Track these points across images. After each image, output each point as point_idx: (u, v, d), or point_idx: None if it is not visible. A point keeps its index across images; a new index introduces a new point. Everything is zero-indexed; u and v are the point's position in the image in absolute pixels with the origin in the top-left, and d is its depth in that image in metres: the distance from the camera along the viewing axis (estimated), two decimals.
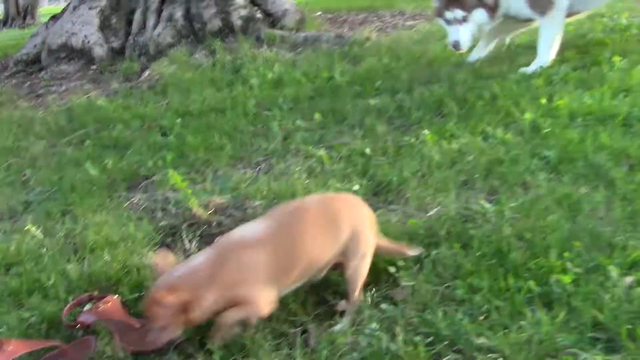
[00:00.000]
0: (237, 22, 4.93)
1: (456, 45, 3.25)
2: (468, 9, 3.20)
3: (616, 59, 3.17)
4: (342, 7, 8.00)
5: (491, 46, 3.67)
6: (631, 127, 2.29)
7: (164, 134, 3.04)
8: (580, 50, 3.62)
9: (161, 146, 2.83)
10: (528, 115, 2.48)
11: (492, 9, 3.24)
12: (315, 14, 6.68)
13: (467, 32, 3.23)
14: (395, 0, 8.07)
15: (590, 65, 3.21)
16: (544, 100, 2.65)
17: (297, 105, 3.22)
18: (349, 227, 1.41)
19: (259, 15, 5.09)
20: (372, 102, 3.05)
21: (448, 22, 3.26)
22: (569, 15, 3.45)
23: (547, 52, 3.30)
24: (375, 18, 6.56)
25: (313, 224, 1.39)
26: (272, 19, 5.32)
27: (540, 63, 3.27)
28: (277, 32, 5.03)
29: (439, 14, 3.30)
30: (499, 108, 2.67)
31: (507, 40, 3.89)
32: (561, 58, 3.43)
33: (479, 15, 3.22)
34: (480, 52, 3.64)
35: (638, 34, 3.54)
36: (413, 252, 1.56)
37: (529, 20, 3.47)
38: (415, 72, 3.57)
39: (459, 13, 3.20)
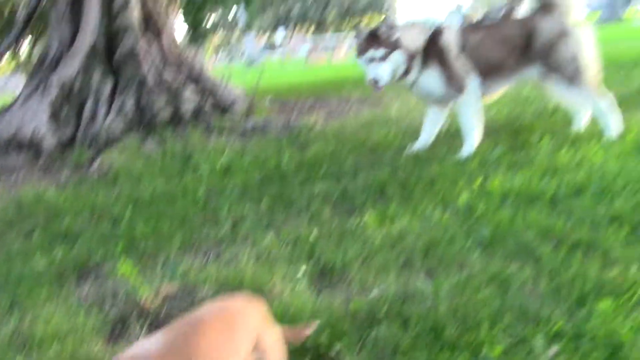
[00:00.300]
0: (187, 112, 5.10)
1: (375, 82, 3.46)
2: (388, 49, 3.45)
3: (544, 142, 3.44)
4: (291, 94, 8.33)
5: (433, 136, 3.90)
6: (557, 206, 2.47)
7: (115, 223, 3.08)
8: (512, 133, 3.90)
9: (111, 235, 2.88)
10: (464, 197, 2.66)
11: (410, 54, 3.50)
12: (264, 102, 6.93)
13: (385, 70, 3.47)
14: (343, 87, 8.47)
15: (521, 147, 3.46)
16: (478, 182, 2.84)
17: (246, 191, 3.33)
18: (250, 335, 1.33)
19: (208, 104, 5.27)
20: (318, 187, 3.19)
21: (368, 60, 3.48)
22: (486, 96, 3.76)
23: (472, 135, 3.57)
24: (323, 105, 6.85)
25: (209, 337, 1.27)
26: (222, 108, 5.52)
27: (468, 148, 3.53)
28: (226, 120, 5.21)
29: (361, 53, 3.52)
30: (437, 190, 2.85)
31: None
32: (495, 141, 3.69)
33: (397, 56, 3.47)
34: (424, 142, 3.86)
35: (563, 117, 3.82)
36: (311, 328, 1.58)
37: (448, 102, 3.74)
38: (359, 157, 3.77)
39: (379, 52, 3.44)
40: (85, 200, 3.58)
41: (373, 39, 3.47)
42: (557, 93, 3.65)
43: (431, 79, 3.58)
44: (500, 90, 3.86)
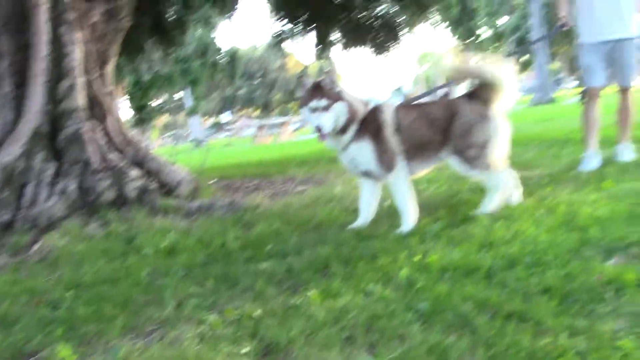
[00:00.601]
0: (132, 193, 5.09)
1: (319, 129, 3.58)
2: (331, 100, 3.60)
3: (480, 217, 3.60)
4: (236, 175, 8.40)
5: (372, 211, 4.02)
6: (493, 279, 2.58)
7: (54, 308, 3.01)
8: (451, 209, 4.07)
9: (51, 320, 2.81)
10: (404, 272, 2.74)
11: (352, 110, 3.67)
12: (210, 182, 6.99)
13: (328, 119, 3.60)
14: (287, 166, 8.61)
15: (459, 222, 3.61)
16: (418, 257, 2.94)
17: (191, 272, 3.33)
18: None
19: (153, 185, 5.29)
20: (263, 265, 3.23)
21: (312, 110, 3.62)
22: (415, 173, 3.97)
23: (408, 212, 3.73)
24: (268, 184, 6.95)
25: None
26: (167, 189, 5.54)
27: (406, 224, 3.68)
28: (172, 201, 5.22)
29: (305, 103, 3.67)
30: (379, 266, 2.93)
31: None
32: (434, 217, 3.84)
33: (340, 107, 3.63)
34: (364, 218, 3.97)
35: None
36: None
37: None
38: (304, 236, 3.84)
39: (322, 102, 3.59)
40: (23, 284, 3.49)
41: (317, 90, 3.64)
42: (462, 172, 3.88)
43: (363, 151, 3.75)
44: (422, 171, 4.07)
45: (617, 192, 3.98)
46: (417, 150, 3.80)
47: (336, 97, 3.64)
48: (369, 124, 3.75)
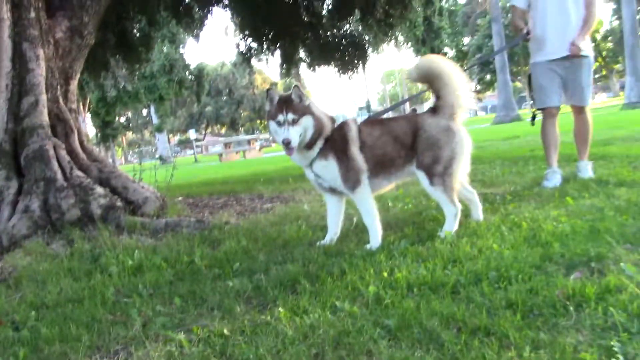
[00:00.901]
0: (97, 211, 5.02)
1: (287, 142, 3.57)
2: (299, 114, 3.62)
3: (447, 233, 3.66)
4: (203, 192, 8.37)
5: (339, 227, 4.05)
6: (458, 294, 2.62)
7: (17, 329, 2.95)
8: (418, 226, 4.12)
9: (13, 342, 2.75)
10: (372, 288, 2.76)
11: (319, 125, 3.70)
12: (177, 200, 6.94)
13: (296, 132, 3.61)
14: (255, 184, 8.61)
15: (425, 239, 3.65)
16: (385, 274, 2.97)
17: (158, 290, 3.30)
18: None
19: (119, 203, 5.23)
20: (230, 283, 3.21)
21: (279, 123, 3.63)
22: (381, 189, 4.03)
23: (374, 229, 3.76)
24: (235, 202, 6.94)
25: None
26: (133, 207, 5.48)
27: (374, 241, 3.71)
28: (138, 219, 5.17)
29: (272, 116, 3.67)
30: (347, 283, 2.94)
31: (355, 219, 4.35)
32: (401, 234, 3.89)
33: (307, 121, 3.65)
34: (332, 234, 3.99)
35: (464, 210, 4.07)
36: None
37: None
38: (271, 253, 3.84)
39: (290, 116, 3.60)
40: None
41: (285, 103, 3.64)
42: (425, 187, 3.89)
43: (329, 168, 3.77)
44: (388, 187, 4.10)
45: (578, 208, 4.09)
46: (382, 166, 3.83)
47: (304, 111, 3.66)
48: (334, 141, 3.78)
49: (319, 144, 3.76)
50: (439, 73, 3.86)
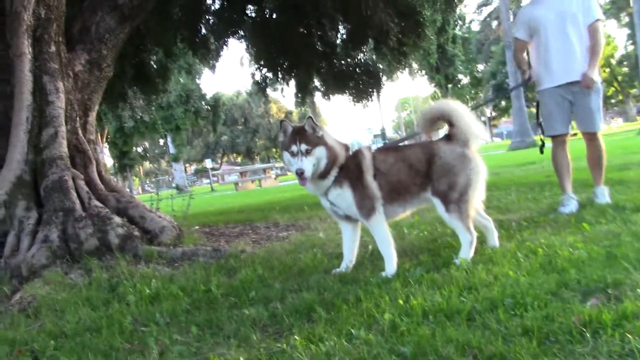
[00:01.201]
0: (115, 241, 5.08)
1: (300, 172, 3.61)
2: (312, 145, 3.66)
3: (462, 260, 3.66)
4: (220, 221, 8.41)
5: (355, 254, 4.07)
6: (474, 321, 2.62)
7: (36, 358, 2.99)
8: (433, 253, 4.13)
9: None
10: (387, 316, 2.77)
11: (333, 155, 3.74)
12: (193, 229, 6.99)
13: (309, 163, 3.64)
14: (270, 212, 8.65)
15: (441, 266, 3.65)
16: (401, 301, 2.97)
17: (175, 319, 3.33)
18: None
19: (136, 233, 5.28)
20: (247, 312, 3.23)
21: (293, 154, 3.66)
22: (395, 217, 4.05)
23: (390, 256, 3.77)
24: (251, 230, 6.97)
25: None
26: (150, 236, 5.53)
27: (390, 268, 3.72)
28: (155, 248, 5.21)
29: (286, 147, 3.71)
30: (362, 310, 2.95)
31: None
32: (417, 261, 3.90)
33: (321, 151, 3.68)
34: (347, 262, 4.01)
35: (480, 236, 4.06)
36: None
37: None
38: (287, 281, 3.86)
39: (303, 147, 3.63)
40: (3, 335, 3.44)
41: (298, 135, 3.68)
42: (441, 214, 3.89)
43: (343, 196, 3.80)
44: (403, 215, 4.10)
45: (594, 234, 4.07)
46: (397, 193, 3.86)
47: (317, 141, 3.70)
48: (349, 169, 3.82)
49: (333, 173, 3.80)
50: (451, 110, 3.94)
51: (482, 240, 4.09)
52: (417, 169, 3.87)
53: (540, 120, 5.60)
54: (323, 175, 3.77)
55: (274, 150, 77.27)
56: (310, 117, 3.77)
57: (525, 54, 5.66)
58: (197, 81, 42.13)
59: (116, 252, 4.99)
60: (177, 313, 3.43)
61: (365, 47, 12.10)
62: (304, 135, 3.70)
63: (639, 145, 15.97)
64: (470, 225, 3.81)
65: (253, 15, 11.68)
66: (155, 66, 11.73)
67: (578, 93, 5.32)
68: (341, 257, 4.08)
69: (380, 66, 12.82)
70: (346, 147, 3.92)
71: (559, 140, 5.50)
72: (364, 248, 4.48)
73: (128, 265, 4.75)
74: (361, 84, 12.77)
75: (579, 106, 5.37)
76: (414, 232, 5.11)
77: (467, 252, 3.78)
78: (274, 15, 11.31)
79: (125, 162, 46.04)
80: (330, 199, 3.87)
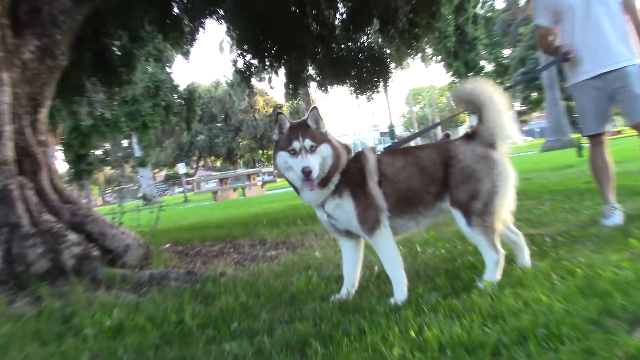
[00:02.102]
0: (69, 262, 5.07)
1: (308, 171, 3.58)
2: (317, 141, 3.66)
3: (486, 283, 3.66)
4: (195, 238, 8.41)
5: (357, 277, 4.07)
6: (500, 356, 2.62)
7: None
8: (452, 275, 4.13)
9: None
10: (397, 351, 2.77)
11: (337, 151, 3.74)
12: (163, 247, 6.98)
13: (315, 161, 3.63)
14: (256, 227, 8.65)
15: (460, 291, 3.66)
16: (413, 333, 2.98)
17: (141, 356, 3.32)
18: None
19: (95, 252, 5.28)
20: (228, 346, 3.23)
21: (294, 152, 3.65)
22: (406, 232, 4.06)
23: (399, 278, 3.77)
24: (232, 249, 6.98)
25: None
26: (112, 256, 5.53)
27: (399, 293, 3.72)
28: (118, 271, 5.21)
29: (284, 146, 3.70)
30: (367, 344, 2.95)
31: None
32: (432, 284, 3.90)
33: (326, 149, 3.69)
34: (349, 286, 4.01)
35: (507, 255, 4.08)
36: None
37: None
38: (276, 310, 3.86)
39: (308, 143, 3.63)
40: None
41: (300, 130, 3.68)
42: (462, 228, 3.87)
43: (343, 207, 3.80)
44: (414, 230, 4.10)
45: None
46: (407, 204, 3.86)
47: (322, 138, 3.71)
48: (350, 174, 3.81)
49: (335, 179, 3.80)
50: (485, 96, 3.90)
51: (510, 259, 4.09)
52: (432, 174, 3.85)
53: (577, 116, 5.57)
54: (324, 181, 3.76)
55: (260, 152, 77.34)
56: (315, 107, 3.75)
57: (553, 38, 5.63)
58: (168, 70, 42.15)
59: (71, 275, 4.98)
60: (143, 348, 3.43)
61: (369, 28, 12.13)
62: (307, 129, 3.69)
63: None
64: (496, 241, 3.80)
65: None
66: (118, 53, 11.72)
67: (615, 82, 5.26)
68: (341, 281, 4.08)
69: (388, 51, 12.84)
70: (347, 149, 3.92)
71: (595, 140, 5.49)
72: (368, 269, 4.49)
73: (85, 291, 4.74)
74: (365, 73, 12.79)
75: (621, 97, 5.28)
76: (429, 251, 5.12)
77: (492, 273, 3.77)
78: None
79: (82, 167, 46.04)
80: (328, 210, 3.86)
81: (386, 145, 4.25)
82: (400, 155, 3.99)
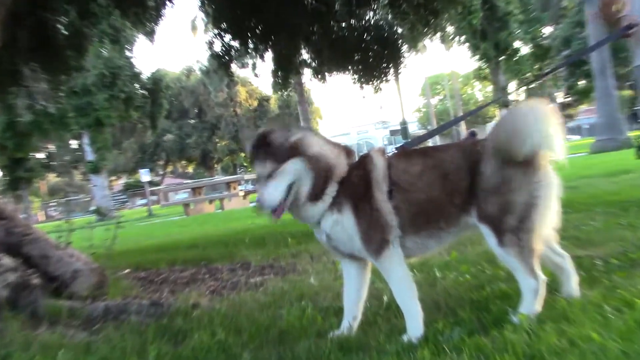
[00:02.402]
0: (2, 293, 5.05)
1: (259, 206, 3.62)
2: (280, 159, 3.64)
3: (522, 316, 3.65)
4: (161, 261, 8.39)
5: (360, 308, 4.06)
6: None
7: None
8: (479, 306, 4.11)
9: None
10: None
11: (317, 161, 3.72)
12: (122, 273, 6.96)
13: (275, 189, 3.63)
14: (237, 247, 8.65)
15: (490, 326, 3.65)
16: None
17: None
18: None
19: (36, 280, 5.26)
20: None
21: (256, 178, 3.70)
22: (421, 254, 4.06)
23: (413, 310, 3.75)
24: (208, 274, 6.97)
25: None
26: (57, 285, 5.51)
27: (413, 329, 3.69)
28: (65, 303, 5.19)
29: (252, 165, 3.75)
30: None
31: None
32: (454, 318, 3.89)
33: (294, 166, 3.67)
34: (350, 318, 4.00)
35: (549, 281, 4.07)
36: None
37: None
38: (262, 350, 3.85)
39: (265, 169, 3.65)
40: None
41: (258, 149, 3.71)
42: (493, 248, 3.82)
43: (344, 224, 3.79)
44: (433, 250, 4.10)
45: None
46: (424, 219, 3.83)
47: (289, 153, 3.69)
48: (351, 184, 3.81)
49: (330, 191, 3.78)
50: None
51: (553, 286, 4.09)
52: (456, 181, 3.81)
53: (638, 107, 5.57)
54: (314, 196, 3.76)
55: (242, 155, 77.31)
56: (278, 115, 3.74)
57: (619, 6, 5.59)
58: (128, 54, 42.14)
59: (4, 309, 4.96)
60: None
61: (376, 3, 12.12)
62: (267, 149, 3.70)
63: None
64: (535, 265, 3.75)
65: None
66: (64, 32, 11.68)
67: None
68: (341, 314, 4.07)
69: (399, 31, 12.83)
70: (347, 152, 3.90)
71: None
72: (375, 299, 4.48)
73: (23, 328, 4.72)
74: (371, 57, 12.77)
75: None
76: (450, 276, 5.11)
77: (530, 304, 3.75)
78: None
79: (19, 174, 45.91)
80: (325, 228, 3.85)
81: (398, 145, 4.21)
82: (416, 158, 3.95)
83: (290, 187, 3.67)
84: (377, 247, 3.76)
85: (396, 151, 4.11)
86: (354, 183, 3.80)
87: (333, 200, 3.78)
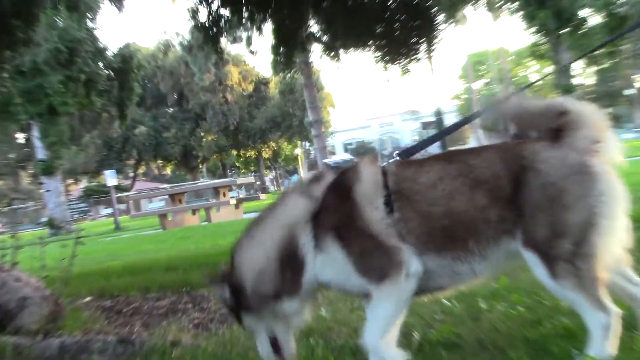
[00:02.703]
0: None
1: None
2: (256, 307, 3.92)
3: (591, 359, 3.65)
4: (132, 286, 8.41)
5: None
6: None
7: None
8: (535, 346, 4.12)
9: None
10: None
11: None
12: (82, 302, 6.98)
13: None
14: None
15: None
16: None
17: None
18: None
19: None
20: None
21: None
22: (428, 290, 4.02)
23: (373, 335, 3.81)
24: (191, 304, 6.98)
25: None
26: (0, 316, 5.53)
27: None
28: (9, 339, 5.21)
29: None
30: None
31: None
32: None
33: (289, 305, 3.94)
34: None
35: (624, 316, 4.08)
36: None
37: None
38: None
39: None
40: None
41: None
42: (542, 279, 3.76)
43: (333, 263, 3.86)
44: (466, 280, 4.03)
45: None
46: (443, 236, 3.80)
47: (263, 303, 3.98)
48: (328, 211, 3.90)
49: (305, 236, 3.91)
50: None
51: (629, 321, 4.09)
52: (490, 193, 3.77)
53: None
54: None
55: (234, 152, 77.29)
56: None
57: None
58: (90, 25, 42.09)
59: None
60: None
61: None
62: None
63: None
64: (601, 296, 3.69)
65: None
66: None
67: None
68: (359, 354, 4.08)
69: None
70: (325, 178, 4.04)
71: None
72: (404, 337, 4.48)
73: None
74: (397, 30, 12.72)
75: None
76: (499, 307, 5.11)
77: (600, 344, 3.72)
78: None
79: None
80: (321, 277, 3.95)
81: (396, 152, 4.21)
82: (431, 164, 3.97)
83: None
84: (380, 272, 3.77)
85: (397, 157, 4.12)
86: (332, 209, 3.87)
87: (312, 237, 3.87)
